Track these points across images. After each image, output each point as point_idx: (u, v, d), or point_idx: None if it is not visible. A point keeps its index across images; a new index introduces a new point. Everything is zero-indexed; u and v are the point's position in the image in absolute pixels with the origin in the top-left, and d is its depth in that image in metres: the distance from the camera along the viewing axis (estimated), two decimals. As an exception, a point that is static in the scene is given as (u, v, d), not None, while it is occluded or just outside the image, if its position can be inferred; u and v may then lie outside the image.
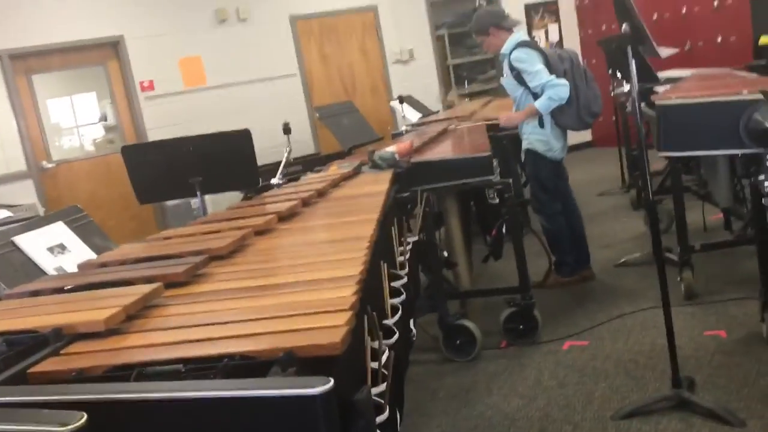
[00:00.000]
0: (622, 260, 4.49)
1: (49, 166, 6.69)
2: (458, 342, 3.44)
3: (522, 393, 3.03)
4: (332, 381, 1.02)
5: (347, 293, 1.40)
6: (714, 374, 2.88)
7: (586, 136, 8.45)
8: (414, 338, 2.60)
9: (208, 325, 1.34)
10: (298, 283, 1.53)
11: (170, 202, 6.70)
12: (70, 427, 0.93)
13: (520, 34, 3.99)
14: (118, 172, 7.01)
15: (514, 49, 3.88)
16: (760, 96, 2.18)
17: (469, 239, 3.86)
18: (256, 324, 1.30)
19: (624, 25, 2.32)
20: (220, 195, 4.60)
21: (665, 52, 2.95)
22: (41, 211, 6.22)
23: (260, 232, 2.13)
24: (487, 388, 3.13)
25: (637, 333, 3.43)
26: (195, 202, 6.95)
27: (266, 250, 1.94)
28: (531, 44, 3.95)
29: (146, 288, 1.52)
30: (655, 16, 8.05)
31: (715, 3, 7.66)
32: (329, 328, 1.22)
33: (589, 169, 7.61)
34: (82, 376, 1.21)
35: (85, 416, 0.94)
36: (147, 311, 1.47)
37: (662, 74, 4.27)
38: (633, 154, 6.17)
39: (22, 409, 1.00)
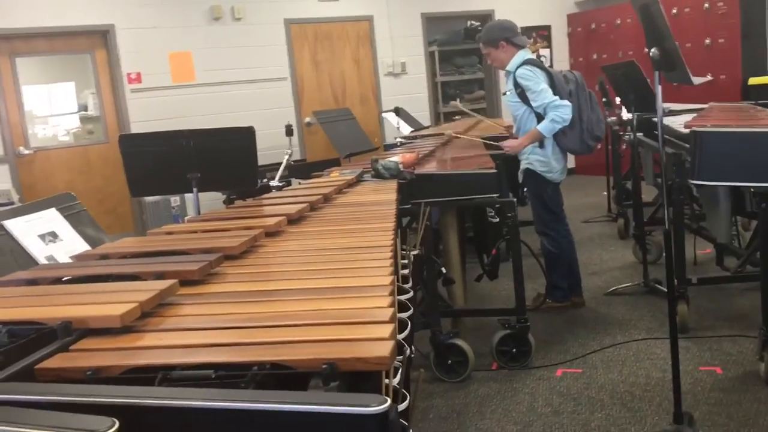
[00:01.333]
0: (612, 289, 4.46)
1: (27, 152, 6.48)
2: (450, 362, 3.35)
3: (516, 419, 2.94)
4: (389, 400, 0.93)
5: (384, 304, 1.31)
6: (713, 411, 2.83)
7: (568, 163, 8.50)
8: (413, 355, 2.51)
9: (234, 328, 1.23)
10: (326, 290, 1.43)
11: (149, 198, 6.53)
12: (100, 435, 0.82)
13: (527, 52, 3.93)
14: (97, 164, 6.85)
15: (520, 66, 3.83)
16: (801, 129, 2.14)
17: (464, 257, 3.78)
18: (289, 331, 1.20)
19: (653, 50, 2.27)
20: (202, 195, 4.46)
21: (698, 80, 2.92)
22: (15, 198, 6.01)
23: (270, 233, 2.02)
24: (480, 412, 3.04)
25: (631, 364, 3.37)
26: (174, 200, 6.81)
27: (280, 253, 1.83)
28: (537, 63, 3.89)
29: (161, 284, 1.40)
30: (646, 50, 8.11)
31: (707, 41, 7.76)
32: (374, 341, 1.12)
33: (572, 196, 7.60)
34: (97, 376, 1.09)
35: (117, 424, 0.84)
36: (161, 309, 1.36)
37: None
38: (622, 184, 6.19)
39: (39, 410, 0.89)
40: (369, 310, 1.27)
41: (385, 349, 1.08)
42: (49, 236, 2.20)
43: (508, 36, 3.90)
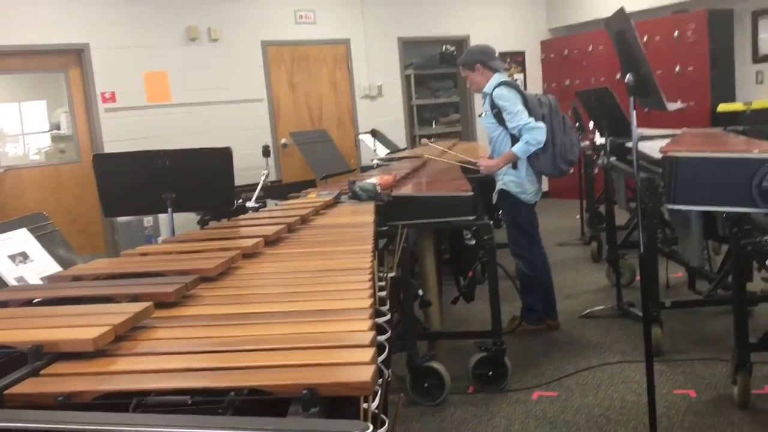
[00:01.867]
0: (586, 312, 4.48)
1: (-3, 171, 6.37)
2: (426, 385, 3.32)
3: (492, 443, 2.93)
4: (371, 426, 0.91)
5: (364, 327, 1.29)
6: (687, 434, 2.84)
7: (543, 186, 8.57)
8: (390, 378, 2.49)
9: (211, 352, 1.21)
10: (304, 313, 1.41)
11: (121, 219, 6.45)
12: (73, 464, 0.79)
13: (503, 75, 3.99)
14: (68, 183, 6.75)
15: (497, 86, 3.88)
16: (773, 156, 2.18)
17: (441, 279, 3.77)
18: (268, 355, 1.18)
19: (628, 76, 2.31)
20: (176, 216, 4.41)
21: (672, 105, 2.97)
22: (-16, 217, 5.89)
23: (247, 255, 2.00)
24: (456, 436, 3.02)
25: (606, 387, 3.38)
26: (147, 220, 6.73)
27: (258, 275, 1.81)
28: (513, 85, 3.95)
29: (136, 307, 1.37)
30: (618, 76, 8.27)
31: (677, 68, 7.93)
32: (355, 365, 1.10)
33: (546, 220, 7.67)
34: (68, 402, 1.06)
35: (90, 452, 0.81)
36: (135, 332, 1.33)
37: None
38: (595, 207, 6.26)
39: (9, 438, 0.86)
40: (349, 334, 1.26)
41: (366, 373, 1.06)
42: (19, 257, 2.15)
43: (484, 59, 3.95)
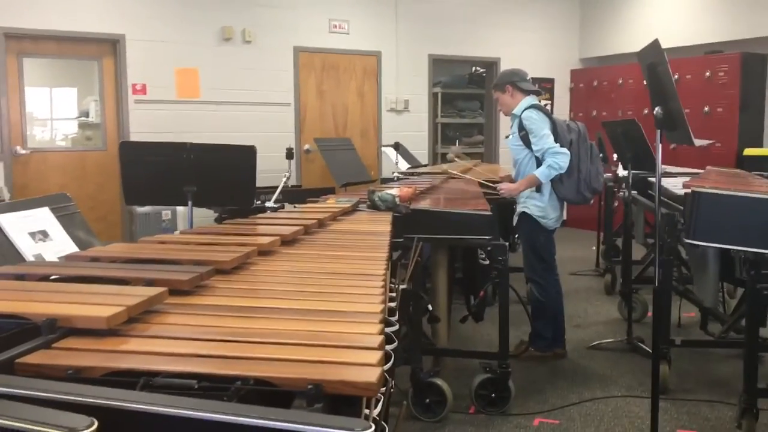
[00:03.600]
0: (595, 343, 4.45)
1: (23, 152, 6.46)
2: (428, 401, 3.31)
3: (489, 464, 2.91)
4: (373, 426, 0.92)
5: (373, 331, 1.30)
6: (688, 475, 2.80)
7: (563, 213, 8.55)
8: (392, 390, 2.48)
9: (220, 341, 1.22)
10: (315, 312, 1.42)
11: (140, 209, 6.51)
12: (78, 433, 0.80)
13: (534, 99, 4.00)
14: (92, 170, 6.83)
15: (526, 109, 3.89)
16: (797, 199, 2.17)
17: (451, 296, 3.77)
18: (276, 348, 1.18)
19: (657, 109, 2.30)
20: (194, 211, 4.45)
21: (699, 141, 2.96)
22: (6, 196, 5.97)
23: (263, 252, 2.01)
24: (453, 454, 3.00)
25: (609, 420, 3.35)
26: (166, 213, 6.78)
27: (272, 272, 1.82)
28: (543, 109, 3.96)
29: (150, 290, 1.39)
30: (646, 111, 8.25)
31: (706, 108, 7.89)
32: (362, 366, 1.11)
33: (562, 248, 7.63)
34: (77, 376, 1.08)
35: (96, 423, 0.82)
36: (148, 315, 1.34)
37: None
38: (612, 240, 6.22)
39: (18, 403, 0.87)
40: (358, 336, 1.26)
41: (373, 374, 1.07)
42: (39, 234, 2.19)
43: (515, 80, 3.97)
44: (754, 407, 2.93)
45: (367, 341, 1.22)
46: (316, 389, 1.03)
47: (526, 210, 3.99)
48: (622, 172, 4.90)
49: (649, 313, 4.89)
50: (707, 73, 7.89)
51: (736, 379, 3.73)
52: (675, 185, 3.86)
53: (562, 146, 3.81)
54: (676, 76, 8.06)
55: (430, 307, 3.32)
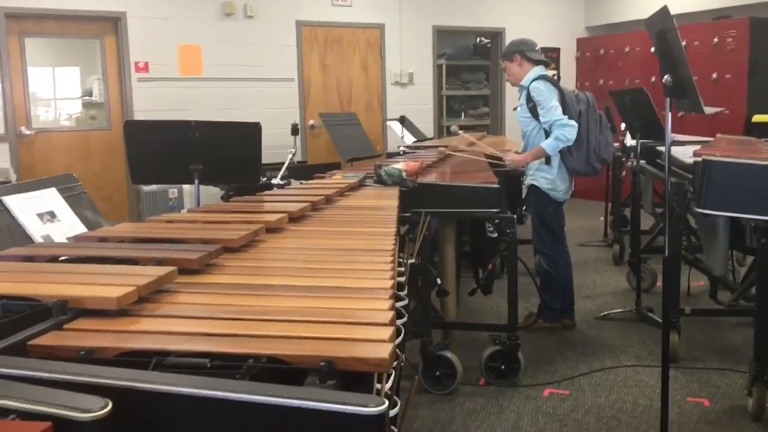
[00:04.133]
0: (604, 313, 4.45)
1: (28, 133, 6.45)
2: (438, 374, 3.33)
3: (500, 436, 2.93)
4: (386, 402, 0.92)
5: (384, 306, 1.29)
6: (698, 443, 2.82)
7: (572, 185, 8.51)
8: (403, 363, 2.49)
9: (231, 319, 1.22)
10: (325, 288, 1.42)
11: (146, 188, 6.51)
12: (92, 414, 0.80)
13: (542, 69, 3.94)
14: (97, 150, 6.82)
15: (534, 80, 3.84)
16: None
17: (459, 270, 3.77)
18: (287, 325, 1.19)
19: (666, 77, 2.27)
20: (200, 189, 4.44)
21: (709, 109, 2.91)
22: (13, 177, 5.98)
23: (271, 230, 2.01)
24: (464, 426, 3.02)
25: (619, 389, 3.36)
26: (172, 191, 6.78)
27: (280, 249, 1.82)
28: (551, 80, 3.90)
29: (160, 270, 1.39)
30: (653, 79, 8.17)
31: (714, 75, 7.80)
32: (373, 342, 1.11)
33: (569, 219, 7.60)
34: (89, 357, 1.08)
35: (110, 405, 0.82)
36: (158, 295, 1.34)
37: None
38: (620, 210, 6.20)
39: (32, 386, 0.87)
40: (369, 312, 1.26)
41: (384, 350, 1.06)
42: (47, 215, 2.19)
43: (523, 50, 3.91)
44: (765, 374, 2.93)
45: (378, 317, 1.22)
46: (328, 366, 1.03)
47: (535, 182, 3.96)
48: (630, 141, 4.86)
49: (658, 283, 4.88)
50: (715, 39, 7.78)
51: (746, 347, 3.73)
52: (684, 154, 3.82)
53: (570, 118, 3.77)
54: (683, 43, 7.96)
55: (438, 280, 3.32)
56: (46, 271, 1.45)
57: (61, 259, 1.61)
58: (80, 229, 2.20)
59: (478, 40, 10.02)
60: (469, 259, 4.46)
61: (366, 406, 0.88)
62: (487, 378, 3.44)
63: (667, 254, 2.35)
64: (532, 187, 3.99)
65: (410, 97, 8.39)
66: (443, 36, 8.83)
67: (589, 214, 7.86)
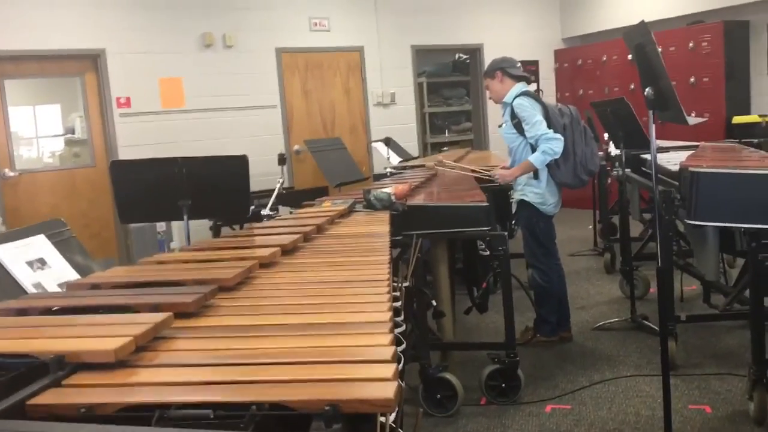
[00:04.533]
0: (600, 324, 4.45)
1: (12, 174, 6.41)
2: (438, 396, 3.31)
3: (505, 455, 2.91)
4: (395, 445, 0.90)
5: (385, 341, 1.28)
6: (703, 451, 2.81)
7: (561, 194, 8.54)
8: (403, 388, 2.48)
9: (231, 365, 1.20)
10: (324, 326, 1.40)
11: (134, 225, 6.47)
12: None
13: (524, 85, 3.98)
14: (82, 188, 6.79)
15: (517, 96, 3.88)
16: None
17: (454, 289, 3.76)
18: (289, 369, 1.17)
19: (648, 90, 2.29)
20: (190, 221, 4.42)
21: (693, 120, 2.94)
22: (0, 226, 5.93)
23: (264, 264, 2.00)
24: (468, 448, 3.00)
25: (620, 401, 3.36)
26: (160, 225, 6.75)
27: (275, 285, 1.81)
28: (534, 95, 3.94)
29: (157, 317, 1.37)
30: (632, 86, 8.25)
31: (692, 79, 7.89)
32: (377, 381, 1.10)
33: (559, 229, 7.62)
34: (91, 414, 1.06)
35: (116, 468, 0.81)
36: (155, 343, 1.32)
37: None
38: (608, 218, 6.23)
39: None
40: (369, 348, 1.25)
41: (389, 390, 1.05)
42: (37, 263, 2.16)
43: (504, 66, 3.95)
44: (764, 377, 2.94)
45: (379, 354, 1.21)
46: (333, 410, 1.02)
47: (524, 197, 3.98)
48: (614, 150, 4.89)
49: (652, 290, 4.90)
50: (691, 44, 7.89)
51: (744, 350, 3.75)
52: (669, 161, 3.86)
53: (555, 132, 3.80)
54: (660, 49, 8.05)
55: (434, 302, 3.31)
56: (41, 324, 1.43)
57: (54, 309, 1.59)
58: (71, 274, 2.17)
59: (457, 56, 10.10)
60: (462, 276, 4.46)
61: (375, 451, 0.87)
62: (488, 397, 3.43)
63: (660, 265, 2.36)
64: (522, 203, 4.00)
65: (393, 117, 8.43)
66: (422, 54, 8.90)
67: (578, 223, 7.90)
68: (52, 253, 2.24)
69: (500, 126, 4.11)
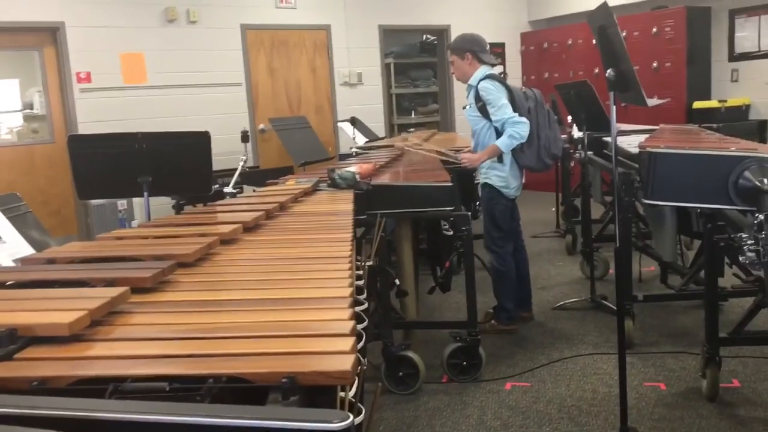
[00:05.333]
0: (560, 304, 4.52)
1: (-33, 150, 6.24)
2: (401, 374, 3.34)
3: (465, 432, 2.95)
4: (351, 416, 0.91)
5: (344, 316, 1.29)
6: (657, 427, 2.88)
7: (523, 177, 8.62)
8: (365, 367, 2.49)
9: (188, 339, 1.20)
10: (283, 300, 1.40)
11: (95, 202, 6.36)
12: (48, 451, 0.78)
13: (489, 67, 3.96)
14: (41, 164, 6.64)
15: (482, 80, 3.86)
16: (750, 154, 2.21)
17: (417, 268, 3.78)
18: (246, 342, 1.17)
19: (609, 71, 2.32)
20: (151, 200, 4.36)
21: (652, 102, 2.99)
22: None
23: (225, 241, 1.98)
24: (429, 425, 3.03)
25: (578, 378, 3.42)
26: (121, 203, 6.65)
27: (236, 261, 1.80)
28: (499, 79, 3.92)
29: (112, 291, 1.35)
30: (596, 71, 8.34)
31: (654, 64, 8.00)
32: (335, 354, 1.10)
33: (522, 212, 7.68)
34: (43, 387, 1.04)
35: (66, 439, 0.80)
36: (111, 317, 1.31)
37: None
38: (571, 201, 6.31)
39: (-18, 423, 0.84)
40: (328, 323, 1.26)
41: (346, 363, 1.06)
42: (-9, 238, 2.11)
43: (475, 49, 3.93)
44: (717, 356, 3.03)
45: (338, 328, 1.21)
46: (290, 382, 1.02)
47: (488, 181, 3.98)
48: (577, 133, 4.95)
49: (611, 271, 4.99)
50: (654, 29, 7.99)
51: (698, 330, 3.85)
52: (629, 144, 3.92)
53: (520, 115, 3.81)
54: (623, 33, 8.12)
55: (397, 281, 3.33)
56: (-7, 298, 1.40)
57: (8, 284, 1.56)
58: (27, 250, 2.13)
59: (424, 37, 10.07)
60: (426, 257, 4.48)
61: (330, 421, 0.88)
62: (449, 375, 3.47)
63: (618, 245, 2.40)
64: (486, 186, 4.00)
65: (360, 97, 8.39)
66: (389, 35, 8.86)
67: (541, 205, 7.99)
68: (7, 227, 2.20)
69: (464, 108, 4.10)
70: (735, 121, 7.42)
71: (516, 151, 3.88)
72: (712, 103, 7.63)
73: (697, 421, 2.91)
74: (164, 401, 1.00)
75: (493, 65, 4.00)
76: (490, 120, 3.87)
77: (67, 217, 6.75)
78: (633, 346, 3.71)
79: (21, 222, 2.26)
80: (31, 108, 6.83)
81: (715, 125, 7.06)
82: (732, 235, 2.55)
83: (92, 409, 0.90)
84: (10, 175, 6.45)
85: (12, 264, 2.01)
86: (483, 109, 3.86)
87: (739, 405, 3.04)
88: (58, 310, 1.24)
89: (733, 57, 7.83)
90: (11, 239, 2.17)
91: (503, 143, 3.79)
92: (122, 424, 0.89)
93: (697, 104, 7.65)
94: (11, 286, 1.55)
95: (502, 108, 3.78)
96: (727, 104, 7.54)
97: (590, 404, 3.13)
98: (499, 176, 3.94)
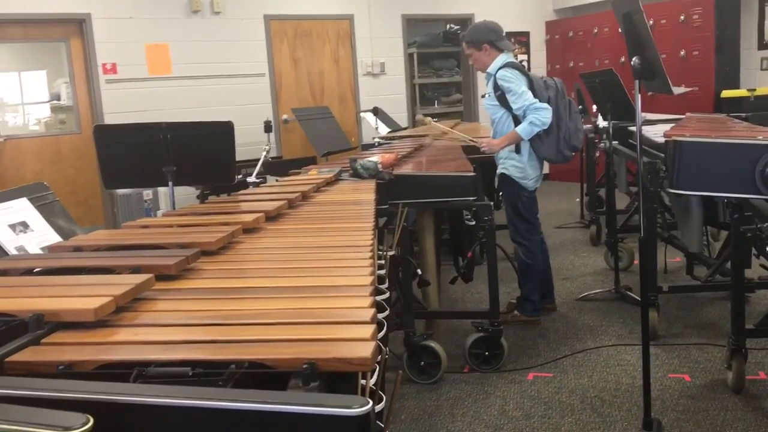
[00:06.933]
0: (584, 295, 4.49)
1: (-4, 140, 6.35)
2: (422, 363, 3.34)
3: (487, 422, 2.95)
4: (370, 402, 0.92)
5: (364, 304, 1.29)
6: (681, 419, 2.86)
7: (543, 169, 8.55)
8: (387, 356, 2.50)
9: (211, 325, 1.21)
10: (305, 288, 1.41)
11: (120, 191, 6.44)
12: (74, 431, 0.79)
13: (509, 55, 3.89)
14: (68, 154, 6.73)
15: (501, 68, 3.80)
16: (777, 142, 2.17)
17: (439, 259, 3.78)
18: (268, 329, 1.18)
19: (635, 59, 2.29)
20: (176, 190, 4.39)
21: (677, 89, 2.94)
22: (-17, 186, 5.87)
23: (248, 230, 2.00)
24: (451, 414, 3.04)
25: (601, 369, 3.40)
26: (147, 193, 6.72)
27: (259, 250, 1.81)
28: (518, 66, 3.85)
29: (137, 278, 1.37)
30: (623, 59, 8.23)
31: (682, 53, 7.88)
32: (355, 341, 1.11)
33: (545, 202, 7.68)
34: (69, 371, 1.07)
35: (91, 421, 0.81)
36: (136, 304, 1.33)
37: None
38: (596, 191, 6.25)
39: (10, 405, 0.86)
40: (349, 310, 1.26)
41: (366, 349, 1.06)
42: (19, 226, 2.15)
43: (492, 39, 3.85)
44: (743, 347, 2.99)
45: (358, 315, 1.22)
46: (311, 368, 1.03)
47: (505, 171, 3.93)
48: (602, 122, 4.90)
49: (636, 261, 4.94)
50: (682, 17, 7.86)
51: (724, 321, 3.81)
52: (655, 133, 3.86)
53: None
54: (651, 22, 8.01)
55: (419, 271, 3.33)
56: (21, 284, 1.43)
57: (35, 271, 1.59)
58: (54, 238, 2.17)
59: (447, 26, 10.01)
60: (448, 247, 4.48)
61: (350, 407, 0.88)
62: (471, 365, 3.47)
63: (642, 235, 2.38)
64: (503, 176, 3.95)
65: (383, 87, 8.37)
66: (413, 24, 8.82)
67: (565, 195, 7.93)
68: (35, 216, 2.23)
69: (483, 96, 4.04)
70: (764, 110, 7.27)
71: (534, 142, 3.80)
72: (741, 92, 7.49)
73: (722, 413, 2.88)
74: (187, 386, 1.02)
75: (511, 50, 3.93)
76: (508, 109, 3.81)
77: (94, 207, 6.85)
78: (658, 337, 3.68)
79: (48, 211, 2.29)
80: (59, 99, 6.93)
81: (743, 114, 6.93)
82: (759, 226, 2.52)
83: (117, 392, 0.91)
84: (38, 165, 6.56)
85: (40, 251, 2.04)
86: (501, 98, 3.80)
87: (765, 397, 3.00)
88: (84, 296, 1.26)
89: (763, 45, 7.68)
90: (39, 228, 2.20)
91: (523, 130, 3.73)
92: (146, 408, 0.91)
93: (726, 93, 7.51)
94: (39, 273, 1.58)
95: (522, 95, 3.71)
96: (756, 93, 7.40)
97: (613, 395, 3.11)
98: (517, 167, 3.88)
